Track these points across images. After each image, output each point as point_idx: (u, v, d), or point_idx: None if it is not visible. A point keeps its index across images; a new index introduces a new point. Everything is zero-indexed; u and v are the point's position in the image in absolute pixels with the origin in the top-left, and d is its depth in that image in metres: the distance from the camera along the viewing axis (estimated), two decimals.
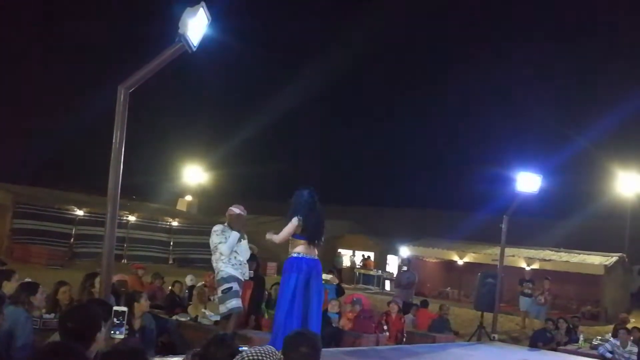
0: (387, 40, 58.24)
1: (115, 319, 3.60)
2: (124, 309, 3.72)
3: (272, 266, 21.27)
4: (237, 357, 2.68)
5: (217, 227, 6.93)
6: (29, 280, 6.57)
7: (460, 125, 50.53)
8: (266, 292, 9.60)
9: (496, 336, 10.77)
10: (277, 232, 6.20)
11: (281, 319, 5.83)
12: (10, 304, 5.07)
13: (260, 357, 2.65)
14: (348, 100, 60.22)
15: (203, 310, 8.01)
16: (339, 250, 29.93)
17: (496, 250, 20.25)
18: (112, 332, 3.56)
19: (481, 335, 11.19)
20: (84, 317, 3.28)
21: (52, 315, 6.05)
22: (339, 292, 11.04)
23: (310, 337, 3.06)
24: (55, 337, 3.57)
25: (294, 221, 5.95)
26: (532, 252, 23.27)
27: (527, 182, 10.27)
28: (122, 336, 3.70)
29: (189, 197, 32.89)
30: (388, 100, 58.68)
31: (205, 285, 9.27)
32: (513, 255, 21.36)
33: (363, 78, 59.99)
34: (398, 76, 59.87)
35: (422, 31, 60.21)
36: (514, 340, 13.03)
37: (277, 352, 2.77)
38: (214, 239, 6.83)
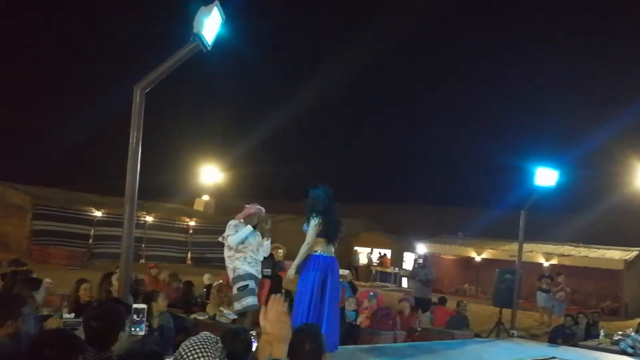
0: (404, 38, 58.08)
1: (135, 316, 3.63)
2: (144, 306, 3.75)
3: (290, 264, 21.27)
4: (175, 353, 2.68)
5: (231, 222, 7.02)
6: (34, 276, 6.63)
7: (477, 121, 50.28)
8: (283, 291, 9.61)
9: (515, 332, 10.69)
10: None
11: (299, 317, 5.84)
12: None
13: (196, 346, 2.64)
14: (364, 99, 60.13)
15: (221, 308, 8.04)
16: (356, 248, 29.90)
17: (514, 246, 20.15)
18: (132, 329, 3.59)
19: (500, 331, 11.12)
20: (108, 317, 3.31)
21: (72, 315, 6.11)
22: (353, 289, 11.05)
23: (312, 332, 3.04)
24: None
25: (313, 222, 5.93)
26: (550, 248, 23.11)
27: (545, 176, 10.17)
28: (142, 333, 3.73)
29: (205, 197, 33.03)
30: (403, 98, 58.56)
31: (223, 284, 9.30)
32: (531, 251, 21.23)
33: (379, 76, 59.89)
34: (415, 74, 59.70)
35: (438, 28, 59.94)
36: (533, 336, 12.92)
37: (213, 337, 2.76)
38: (225, 232, 6.92)
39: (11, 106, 44.48)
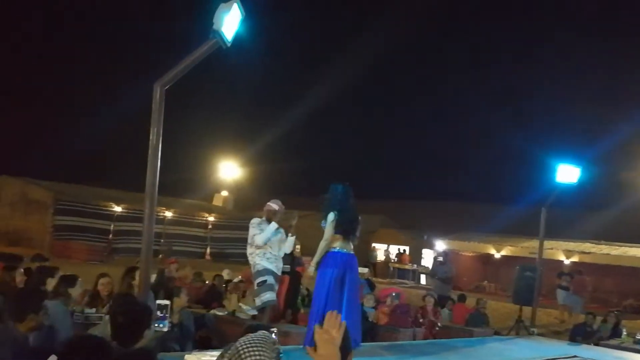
0: (422, 29, 57.74)
1: (158, 312, 3.65)
2: (167, 302, 3.77)
3: (308, 260, 21.31)
4: (232, 347, 2.65)
5: (254, 220, 7.03)
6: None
7: (497, 117, 49.78)
8: (302, 287, 9.63)
9: (535, 330, 10.61)
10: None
11: (317, 313, 5.84)
12: (49, 298, 5.19)
13: (254, 344, 2.61)
14: (383, 94, 59.91)
15: (240, 304, 8.07)
16: (374, 244, 29.84)
17: (534, 243, 19.97)
18: (156, 324, 3.61)
19: (520, 329, 11.03)
20: (135, 313, 3.34)
21: (94, 310, 6.17)
22: (371, 286, 11.03)
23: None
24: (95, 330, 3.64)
25: (331, 217, 5.96)
26: (571, 245, 22.88)
27: (567, 173, 10.07)
28: (165, 329, 3.75)
29: (224, 193, 33.19)
30: (422, 93, 58.24)
31: (242, 280, 9.34)
32: (552, 248, 21.04)
33: (398, 70, 59.63)
34: (431, 67, 59.34)
35: (458, 19, 59.49)
36: (553, 334, 12.79)
37: (271, 337, 2.73)
38: (250, 232, 6.93)
39: (34, 103, 45.12)
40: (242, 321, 7.40)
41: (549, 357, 7.51)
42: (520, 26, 58.04)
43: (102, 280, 6.44)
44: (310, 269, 6.14)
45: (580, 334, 10.53)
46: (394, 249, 30.12)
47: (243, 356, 2.53)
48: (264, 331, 2.80)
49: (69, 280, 5.32)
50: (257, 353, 2.53)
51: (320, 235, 6.08)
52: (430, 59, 60.84)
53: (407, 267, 27.02)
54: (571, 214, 26.55)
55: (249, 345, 2.57)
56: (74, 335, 3.06)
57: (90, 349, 2.61)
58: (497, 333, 10.54)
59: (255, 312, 7.52)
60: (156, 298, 5.28)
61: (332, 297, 5.81)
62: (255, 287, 6.81)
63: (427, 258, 28.72)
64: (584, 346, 9.28)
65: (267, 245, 6.94)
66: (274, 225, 6.91)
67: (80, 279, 5.68)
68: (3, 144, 39.61)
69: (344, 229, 6.01)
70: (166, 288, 6.61)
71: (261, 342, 2.60)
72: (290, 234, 7.18)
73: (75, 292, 5.31)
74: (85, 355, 2.57)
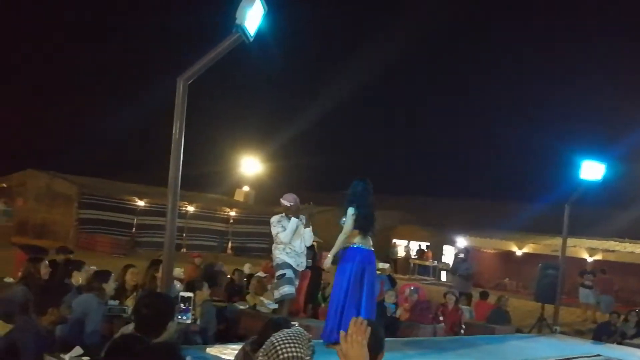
0: (444, 28, 57.31)
1: (182, 305, 3.67)
2: (191, 294, 3.80)
3: (325, 254, 21.34)
4: (267, 342, 2.66)
5: (274, 218, 7.04)
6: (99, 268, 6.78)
7: (519, 113, 49.27)
8: (322, 282, 9.66)
9: (558, 328, 10.51)
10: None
11: (335, 308, 5.88)
12: (83, 292, 5.28)
13: (290, 339, 2.61)
14: (404, 91, 59.58)
15: (261, 298, 8.11)
16: (394, 240, 29.75)
17: (556, 241, 19.77)
18: (179, 317, 3.63)
19: (542, 327, 10.94)
20: (158, 306, 3.38)
21: (117, 302, 6.25)
22: (392, 282, 11.01)
23: (373, 327, 3.01)
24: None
25: (350, 212, 5.99)
26: (594, 243, 22.59)
27: (591, 170, 9.94)
28: (189, 321, 3.78)
29: (246, 188, 33.34)
30: (443, 89, 57.86)
31: (264, 274, 9.39)
32: (574, 246, 20.77)
33: (416, 66, 59.29)
34: (451, 63, 58.88)
35: (481, 15, 58.94)
36: (576, 332, 12.66)
37: (306, 333, 2.73)
38: (272, 231, 6.95)
39: (59, 99, 45.76)
40: (263, 315, 7.45)
41: (572, 356, 7.43)
42: (541, 21, 57.33)
43: (131, 270, 6.54)
44: (327, 261, 6.16)
45: (605, 333, 10.41)
46: (414, 245, 30.01)
47: (280, 351, 2.53)
48: (299, 328, 2.80)
49: (103, 276, 5.39)
50: (293, 349, 2.54)
51: (340, 230, 6.11)
52: (452, 56, 60.38)
53: (427, 263, 26.90)
54: (595, 212, 26.13)
55: (285, 340, 2.58)
56: (120, 337, 3.09)
57: (130, 346, 2.65)
58: (518, 331, 10.46)
59: (276, 306, 7.56)
60: (195, 290, 5.34)
61: (351, 292, 5.83)
62: (275, 281, 6.86)
63: (448, 255, 28.57)
64: (608, 345, 9.18)
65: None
66: (294, 220, 6.91)
67: (113, 274, 5.76)
68: (30, 138, 40.28)
69: (361, 224, 6.04)
70: (213, 277, 6.73)
71: (297, 338, 2.61)
72: (305, 225, 7.16)
73: (109, 287, 5.39)
74: (127, 352, 2.61)
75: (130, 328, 4.08)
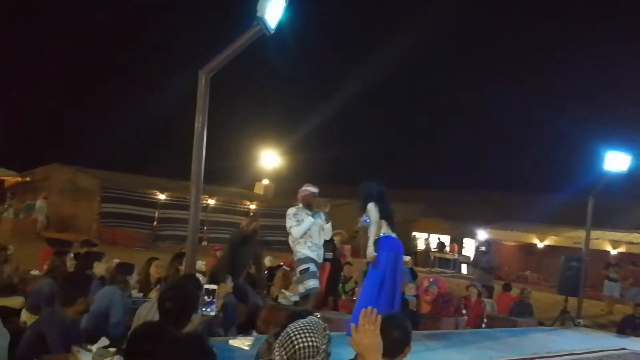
0: (466, 20, 56.79)
1: (206, 297, 3.69)
2: (215, 286, 3.81)
3: (346, 248, 21.34)
4: (283, 332, 2.67)
5: (290, 210, 7.03)
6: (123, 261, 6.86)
7: (541, 102, 48.65)
8: (342, 275, 9.67)
9: (581, 321, 10.41)
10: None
11: (371, 295, 5.93)
12: (107, 284, 5.35)
13: (305, 329, 2.62)
14: (421, 82, 59.16)
15: (283, 290, 8.14)
16: (414, 233, 29.66)
17: (578, 233, 19.54)
18: (203, 309, 3.65)
19: (565, 320, 10.84)
20: (182, 298, 3.40)
21: (141, 294, 6.32)
22: (413, 275, 10.99)
23: (401, 320, 3.01)
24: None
25: (371, 206, 6.17)
26: (618, 235, 22.30)
27: (616, 161, 9.80)
28: (213, 313, 3.80)
29: (265, 181, 33.44)
30: (463, 80, 57.33)
31: (287, 267, 9.41)
32: (597, 238, 20.52)
33: (436, 57, 58.77)
34: (472, 54, 58.34)
35: (503, 10, 58.27)
36: (599, 326, 12.54)
37: (321, 323, 2.73)
38: (287, 223, 6.97)
39: (83, 94, 46.27)
40: (284, 307, 7.48)
41: (596, 349, 7.37)
42: (564, 11, 56.43)
43: (155, 263, 6.61)
44: (370, 250, 6.22)
45: (630, 326, 10.29)
46: (434, 239, 29.90)
47: (295, 341, 2.54)
48: (313, 317, 2.81)
49: (127, 268, 5.45)
50: (308, 338, 2.54)
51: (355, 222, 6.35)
52: (473, 47, 59.81)
53: (448, 256, 26.81)
54: (618, 203, 25.76)
55: (300, 330, 2.58)
56: (143, 325, 3.13)
57: (154, 335, 2.68)
58: (541, 324, 10.39)
59: (297, 299, 7.58)
60: (219, 282, 5.37)
61: (387, 280, 5.91)
62: (298, 275, 6.86)
63: (469, 247, 28.42)
64: (632, 338, 9.07)
65: (307, 234, 6.98)
66: (310, 219, 6.93)
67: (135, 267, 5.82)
68: (55, 133, 40.79)
69: (385, 215, 6.23)
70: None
71: (312, 327, 2.61)
72: (325, 221, 7.19)
73: (132, 279, 5.45)
74: (150, 340, 2.64)
75: (144, 311, 4.12)
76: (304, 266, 6.82)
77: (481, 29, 59.28)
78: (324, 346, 2.57)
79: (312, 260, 6.90)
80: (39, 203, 20.97)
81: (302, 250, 6.88)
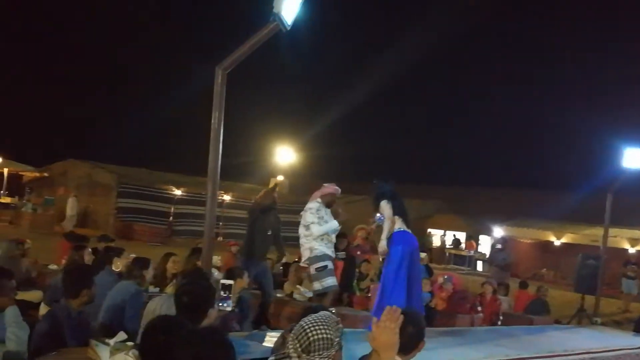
0: (481, 17, 56.37)
1: (222, 292, 3.71)
2: (231, 282, 3.83)
3: (366, 244, 21.31)
4: (297, 325, 2.70)
5: (313, 205, 6.95)
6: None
7: (557, 97, 48.19)
8: (359, 271, 9.66)
9: (598, 320, 10.33)
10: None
11: (386, 290, 5.94)
12: (124, 278, 5.39)
13: (319, 322, 2.65)
14: (436, 79, 58.88)
15: (297, 286, 8.16)
16: (429, 230, 29.55)
17: (596, 231, 19.36)
18: (220, 304, 3.67)
19: (582, 318, 10.76)
20: (198, 293, 3.42)
21: (158, 289, 6.37)
22: (429, 272, 10.95)
23: (415, 316, 3.03)
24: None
25: (384, 203, 6.20)
26: (636, 233, 22.05)
27: (635, 158, 9.69)
28: (229, 309, 3.82)
29: (280, 177, 33.48)
30: (477, 77, 56.94)
31: (298, 262, 9.42)
32: (615, 236, 20.29)
33: (452, 54, 58.45)
34: (487, 51, 57.88)
35: (518, 7, 57.78)
36: (617, 324, 12.42)
37: (333, 317, 2.77)
38: (308, 217, 6.86)
39: (100, 90, 46.65)
40: (299, 303, 7.50)
41: (613, 348, 7.30)
42: (580, 9, 55.82)
43: (173, 258, 6.66)
44: (382, 244, 6.21)
45: None
46: (450, 235, 29.77)
47: (309, 333, 2.58)
48: (327, 312, 2.83)
49: (143, 263, 5.49)
50: (322, 330, 2.59)
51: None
52: (489, 44, 59.36)
53: (463, 253, 26.68)
54: (637, 201, 25.48)
55: (314, 322, 2.62)
56: (157, 318, 3.15)
57: (168, 328, 2.70)
58: (557, 322, 10.32)
59: (311, 295, 7.59)
60: (235, 278, 5.38)
61: (402, 274, 5.91)
62: (314, 272, 6.82)
63: (484, 244, 28.27)
64: None
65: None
66: (334, 223, 6.92)
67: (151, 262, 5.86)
68: (71, 128, 41.19)
69: (399, 211, 6.25)
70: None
71: (326, 320, 2.65)
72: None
73: (148, 274, 5.49)
74: (163, 334, 2.66)
75: (156, 304, 4.15)
76: (321, 264, 6.80)
77: (498, 24, 58.81)
78: (337, 339, 2.62)
79: (329, 257, 6.90)
80: (71, 201, 20.84)
81: (320, 247, 6.85)
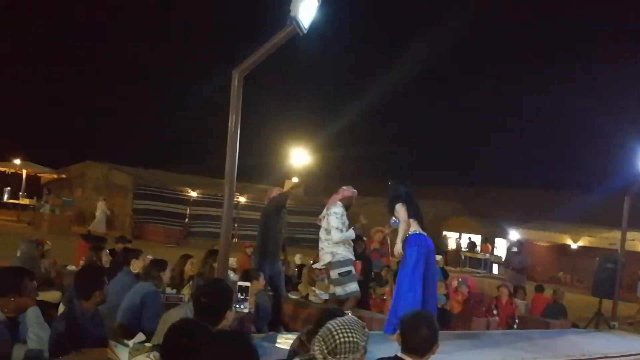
0: (498, 17, 56.04)
1: (239, 294, 3.73)
2: (248, 284, 3.85)
3: (386, 247, 21.27)
4: (324, 328, 2.73)
5: (338, 210, 6.95)
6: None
7: (576, 98, 47.71)
8: (377, 274, 9.65)
9: (616, 324, 10.22)
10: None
11: (400, 292, 5.95)
12: (141, 279, 5.44)
13: (346, 325, 2.68)
14: (453, 79, 58.65)
15: (313, 288, 8.17)
16: (444, 232, 29.42)
17: (613, 234, 19.16)
18: (237, 306, 3.69)
19: (599, 322, 10.65)
20: (217, 294, 3.45)
21: (174, 290, 6.42)
22: (444, 274, 10.92)
23: (429, 318, 3.05)
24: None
25: (399, 206, 6.22)
26: None
27: None
28: (246, 310, 3.85)
29: (295, 179, 33.52)
30: (495, 77, 56.63)
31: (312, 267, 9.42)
32: (633, 239, 20.05)
33: (470, 53, 58.19)
34: (505, 51, 57.54)
35: (537, 8, 57.34)
36: (635, 328, 12.28)
37: (359, 321, 2.80)
38: (332, 221, 6.85)
39: (116, 93, 47.05)
40: (316, 305, 7.52)
41: (632, 352, 7.23)
42: (599, 11, 55.34)
43: (191, 260, 6.71)
44: (398, 247, 6.23)
45: None
46: (465, 238, 29.62)
47: (336, 336, 2.61)
48: (352, 316, 2.87)
49: (161, 265, 5.54)
50: (349, 333, 2.63)
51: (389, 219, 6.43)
52: (506, 45, 59.05)
53: (479, 256, 26.54)
54: None
55: (342, 325, 2.66)
56: (180, 321, 3.19)
57: (190, 331, 2.73)
58: (574, 325, 10.23)
59: (327, 297, 7.60)
60: (251, 279, 5.41)
61: (417, 276, 5.91)
62: (337, 276, 6.80)
63: (500, 247, 28.09)
64: None
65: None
66: (352, 234, 6.96)
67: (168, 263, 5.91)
68: (89, 131, 41.58)
69: (414, 214, 6.26)
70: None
71: (353, 324, 2.69)
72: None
73: (165, 276, 5.54)
74: (193, 339, 2.69)
75: (178, 313, 4.18)
76: (345, 269, 6.81)
77: (521, 24, 58.44)
78: (363, 343, 2.66)
79: (351, 262, 6.93)
80: (100, 204, 20.88)
81: (343, 252, 6.87)
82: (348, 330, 2.63)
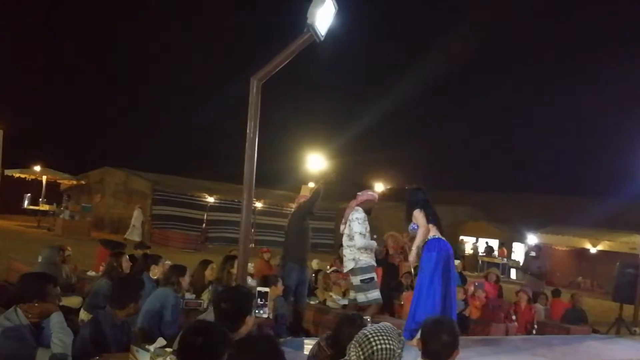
0: (520, 20, 55.76)
1: (259, 300, 3.76)
2: (267, 289, 3.88)
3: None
4: (360, 334, 2.74)
5: (360, 215, 6.94)
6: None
7: (593, 102, 47.26)
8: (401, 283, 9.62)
9: (637, 329, 10.09)
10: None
11: (419, 296, 5.93)
12: (161, 285, 5.50)
13: (383, 332, 2.70)
14: (472, 84, 58.37)
15: (330, 294, 8.18)
16: (461, 237, 29.25)
17: (634, 239, 19.01)
18: (257, 312, 3.72)
19: (620, 328, 10.53)
20: (237, 299, 3.48)
21: (194, 296, 6.46)
22: (463, 279, 10.84)
23: (449, 324, 3.04)
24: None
25: (417, 212, 6.17)
26: None
27: None
28: (265, 316, 3.87)
29: (311, 184, 33.57)
30: (513, 81, 56.25)
31: (336, 270, 9.43)
32: None
33: (490, 55, 57.88)
34: (523, 56, 57.20)
35: (558, 12, 57.00)
36: None
37: (395, 328, 2.81)
38: (355, 227, 6.85)
39: (134, 100, 47.51)
40: (334, 311, 7.52)
41: None
42: (618, 13, 54.80)
43: (212, 266, 6.76)
44: (413, 253, 6.24)
45: None
46: (482, 242, 29.42)
47: (373, 343, 2.64)
48: (388, 323, 2.88)
49: (180, 270, 5.59)
50: (386, 340, 2.65)
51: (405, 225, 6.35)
52: (524, 48, 58.69)
53: (496, 260, 26.34)
54: None
55: (378, 332, 2.69)
56: (195, 321, 3.22)
57: (212, 335, 2.76)
58: (595, 331, 10.12)
59: (346, 303, 7.60)
60: (270, 285, 5.44)
61: (437, 280, 5.89)
62: (359, 283, 6.80)
63: (518, 252, 27.87)
64: None
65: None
66: (374, 244, 7.00)
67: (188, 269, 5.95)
68: (108, 137, 42.00)
69: (433, 220, 6.19)
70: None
71: (389, 331, 2.71)
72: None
73: (185, 281, 5.59)
74: (208, 339, 2.72)
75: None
76: (368, 275, 6.81)
77: (540, 28, 58.09)
78: (399, 350, 2.67)
79: (373, 268, 6.93)
80: (136, 212, 20.62)
81: (366, 259, 6.87)
82: (385, 337, 2.65)
